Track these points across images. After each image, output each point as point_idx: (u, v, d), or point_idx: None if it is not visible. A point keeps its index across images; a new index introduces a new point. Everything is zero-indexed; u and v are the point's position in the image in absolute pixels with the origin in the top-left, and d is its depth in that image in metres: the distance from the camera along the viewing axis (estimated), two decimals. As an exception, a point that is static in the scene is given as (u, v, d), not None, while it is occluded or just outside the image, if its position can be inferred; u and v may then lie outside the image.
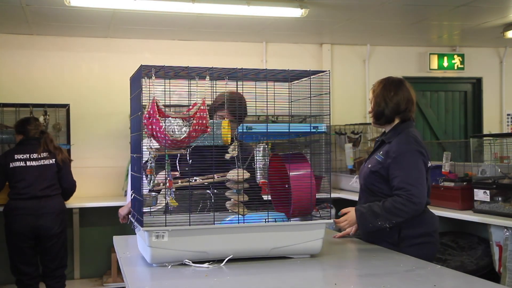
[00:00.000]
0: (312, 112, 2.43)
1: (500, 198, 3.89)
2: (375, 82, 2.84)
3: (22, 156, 4.38)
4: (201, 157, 2.37)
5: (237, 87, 2.36)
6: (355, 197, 5.03)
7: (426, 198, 2.63)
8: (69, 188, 4.61)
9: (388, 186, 2.66)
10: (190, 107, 2.34)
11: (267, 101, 2.34)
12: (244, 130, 2.30)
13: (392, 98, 2.72)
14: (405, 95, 2.74)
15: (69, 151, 5.34)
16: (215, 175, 2.37)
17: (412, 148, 2.63)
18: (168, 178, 2.31)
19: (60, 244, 4.45)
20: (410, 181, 2.57)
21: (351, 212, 2.70)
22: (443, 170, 4.47)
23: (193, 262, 2.23)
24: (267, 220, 2.34)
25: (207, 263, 2.24)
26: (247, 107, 2.79)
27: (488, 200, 3.92)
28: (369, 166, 2.75)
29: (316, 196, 2.39)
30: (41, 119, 5.15)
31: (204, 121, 2.29)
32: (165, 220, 2.20)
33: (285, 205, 2.47)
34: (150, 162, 2.28)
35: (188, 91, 2.32)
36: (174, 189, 2.33)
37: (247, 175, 2.36)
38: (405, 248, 2.61)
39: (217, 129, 2.37)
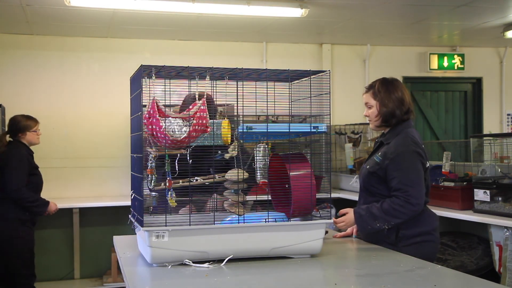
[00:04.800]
0: (312, 112, 2.43)
1: (500, 198, 3.89)
2: (376, 86, 2.74)
3: None
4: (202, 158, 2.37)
5: (237, 87, 2.36)
6: (355, 197, 5.03)
7: (424, 199, 2.62)
8: (9, 193, 4.09)
9: (386, 187, 2.65)
10: (190, 107, 2.34)
11: (267, 101, 2.34)
12: (244, 130, 2.30)
13: (399, 97, 2.69)
14: (407, 93, 2.74)
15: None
16: (215, 175, 2.37)
17: (409, 149, 2.61)
18: (168, 178, 2.31)
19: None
20: (408, 182, 2.56)
21: (349, 213, 2.71)
22: (443, 170, 4.47)
23: (193, 262, 2.23)
24: (267, 220, 2.34)
25: (207, 263, 2.24)
26: (245, 108, 2.74)
27: (488, 200, 3.92)
28: (368, 167, 2.74)
29: (316, 196, 2.39)
30: None
31: (204, 121, 2.29)
32: (165, 220, 2.20)
33: (285, 205, 2.47)
34: (151, 162, 2.28)
35: (189, 91, 2.32)
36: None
37: (246, 175, 2.36)
38: (404, 247, 2.60)
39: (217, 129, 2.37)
